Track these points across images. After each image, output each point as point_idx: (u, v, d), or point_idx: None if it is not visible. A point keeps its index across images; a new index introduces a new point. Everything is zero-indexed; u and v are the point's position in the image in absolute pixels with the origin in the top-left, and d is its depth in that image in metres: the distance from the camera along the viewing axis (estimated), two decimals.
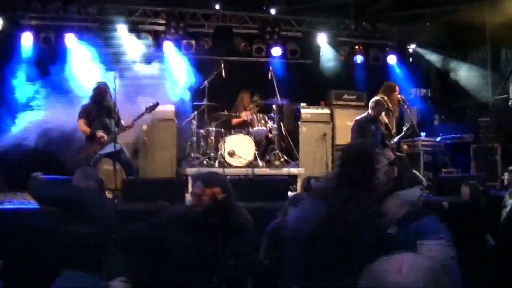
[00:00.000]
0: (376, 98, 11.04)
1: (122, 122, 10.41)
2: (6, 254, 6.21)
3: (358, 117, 11.17)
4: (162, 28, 13.84)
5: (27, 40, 12.82)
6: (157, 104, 10.52)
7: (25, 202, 8.62)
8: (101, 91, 10.23)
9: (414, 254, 2.11)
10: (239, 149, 12.27)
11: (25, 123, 12.12)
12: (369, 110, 10.92)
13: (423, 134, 13.50)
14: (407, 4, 14.26)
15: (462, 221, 7.41)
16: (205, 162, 12.46)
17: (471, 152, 12.54)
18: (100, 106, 10.20)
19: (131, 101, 12.26)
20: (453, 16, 14.37)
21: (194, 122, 12.87)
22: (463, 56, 14.85)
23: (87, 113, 10.22)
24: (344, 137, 13.37)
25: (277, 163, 12.72)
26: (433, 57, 15.67)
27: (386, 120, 11.30)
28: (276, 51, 14.38)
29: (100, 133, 10.00)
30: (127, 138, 11.59)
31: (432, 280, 1.93)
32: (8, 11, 12.80)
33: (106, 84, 10.28)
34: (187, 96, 13.30)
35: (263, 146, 13.23)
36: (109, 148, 10.01)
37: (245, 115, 13.27)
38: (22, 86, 12.59)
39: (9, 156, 11.23)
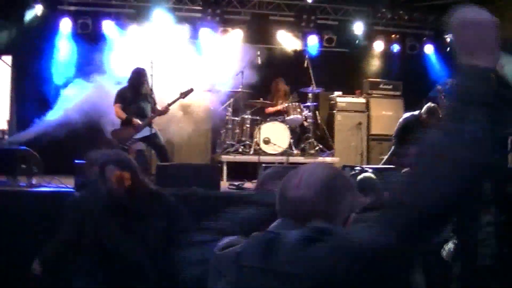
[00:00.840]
0: (434, 105, 10.87)
1: (158, 107, 10.47)
2: None
3: (405, 116, 11.15)
4: (198, 15, 13.84)
5: (65, 26, 12.91)
6: (191, 90, 10.58)
7: (63, 185, 8.70)
8: (139, 76, 10.32)
9: (313, 167, 2.23)
10: (274, 137, 12.26)
11: (63, 107, 12.21)
12: (423, 114, 10.82)
13: None
14: None
15: None
16: (240, 149, 12.49)
17: (509, 144, 12.37)
18: (137, 91, 10.28)
19: (167, 87, 12.34)
20: (491, 6, 14.21)
21: (230, 109, 12.88)
22: (504, 47, 14.61)
23: (123, 98, 10.31)
24: (379, 127, 13.36)
25: (312, 151, 12.70)
26: None
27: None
28: (312, 39, 14.29)
29: (136, 120, 10.08)
30: (162, 124, 11.68)
31: (325, 192, 2.05)
32: None
33: (143, 69, 10.35)
34: (223, 83, 13.27)
35: (298, 134, 13.20)
36: (145, 133, 10.09)
37: (281, 103, 13.24)
38: (62, 70, 12.73)
39: (47, 139, 11.30)
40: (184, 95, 10.54)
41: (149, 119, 10.16)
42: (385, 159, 11.79)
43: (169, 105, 10.60)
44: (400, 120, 11.33)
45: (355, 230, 1.93)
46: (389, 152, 11.67)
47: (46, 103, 12.33)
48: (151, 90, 10.40)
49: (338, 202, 2.08)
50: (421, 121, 10.78)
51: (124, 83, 10.61)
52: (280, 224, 2.09)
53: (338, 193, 2.09)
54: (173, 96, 10.72)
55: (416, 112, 11.10)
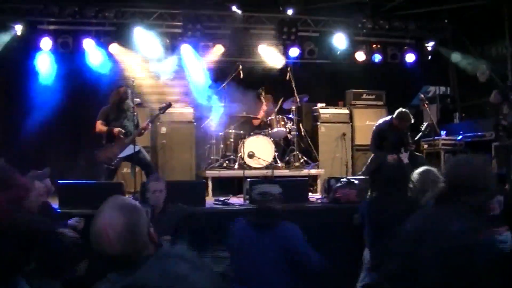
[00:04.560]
0: (404, 110, 10.91)
1: (141, 124, 10.44)
2: None
3: (378, 123, 11.16)
4: (179, 30, 13.80)
5: (45, 45, 12.84)
6: (169, 104, 10.57)
7: None
8: (120, 94, 10.28)
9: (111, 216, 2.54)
10: (258, 151, 12.24)
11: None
12: (395, 119, 10.85)
13: (443, 133, 13.42)
14: (424, 1, 14.15)
15: None
16: (225, 164, 12.45)
17: (493, 150, 12.40)
18: (119, 109, 10.24)
19: (149, 104, 12.34)
20: (471, 12, 14.30)
21: (213, 124, 12.85)
22: (481, 53, 14.70)
23: (106, 115, 10.28)
24: (363, 137, 13.33)
25: (296, 164, 12.67)
26: (451, 55, 15.55)
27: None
28: (294, 51, 14.29)
29: (116, 129, 10.05)
30: (145, 141, 11.65)
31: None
32: (26, 16, 12.84)
33: (125, 87, 10.30)
34: (205, 98, 13.24)
35: (282, 147, 13.20)
36: (128, 151, 10.03)
37: (264, 116, 13.26)
38: (43, 89, 12.67)
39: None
40: (163, 110, 10.51)
41: (131, 137, 10.11)
42: (364, 168, 11.79)
43: (150, 121, 10.60)
44: (374, 128, 11.37)
45: None
46: (369, 160, 11.67)
47: (27, 122, 12.25)
48: (133, 107, 10.35)
49: (140, 236, 2.45)
50: (393, 127, 10.84)
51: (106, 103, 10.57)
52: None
53: (137, 230, 2.45)
54: (154, 113, 10.72)
55: (388, 118, 11.18)
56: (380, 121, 11.35)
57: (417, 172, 6.46)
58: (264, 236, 5.35)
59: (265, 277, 5.25)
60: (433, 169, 6.51)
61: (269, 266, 5.27)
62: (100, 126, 10.20)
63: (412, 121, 10.94)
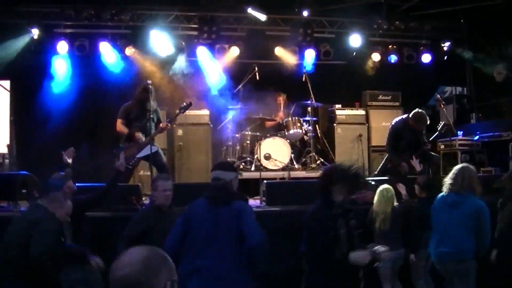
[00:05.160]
0: (421, 111, 10.76)
1: (161, 125, 10.41)
2: None
3: (394, 121, 11.13)
4: (195, 33, 13.84)
5: (62, 49, 12.90)
6: (190, 104, 10.47)
7: None
8: (144, 91, 10.14)
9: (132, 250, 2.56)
10: (275, 152, 12.24)
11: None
12: (411, 120, 10.72)
13: (460, 133, 13.35)
14: (439, 2, 14.11)
15: None
16: (241, 166, 12.45)
17: (510, 150, 12.34)
18: (142, 107, 10.14)
19: (165, 107, 12.35)
20: (487, 12, 14.24)
21: (229, 126, 12.87)
22: (497, 53, 14.62)
23: (127, 113, 10.19)
24: (380, 138, 13.27)
25: (313, 165, 12.66)
26: (468, 55, 15.49)
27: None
28: (310, 53, 14.27)
29: (138, 134, 9.99)
30: (162, 143, 11.68)
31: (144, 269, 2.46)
32: (43, 20, 12.92)
33: (150, 85, 10.20)
34: (221, 100, 13.24)
35: (299, 149, 13.20)
36: (146, 151, 10.00)
37: (280, 118, 13.25)
38: (60, 93, 12.73)
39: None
40: (183, 110, 10.45)
41: (150, 137, 10.09)
42: (380, 167, 11.71)
43: (170, 121, 10.55)
44: (390, 127, 11.26)
45: None
46: (384, 160, 11.61)
47: (46, 126, 12.32)
48: (156, 107, 10.35)
49: (154, 276, 2.45)
50: (409, 126, 10.76)
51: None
52: None
53: (154, 269, 2.47)
54: (173, 113, 10.71)
55: (405, 116, 11.02)
56: (397, 119, 11.18)
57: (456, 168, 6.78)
58: (220, 211, 5.35)
59: (220, 250, 5.24)
60: (470, 166, 6.82)
61: (223, 239, 5.28)
62: (121, 127, 10.14)
63: (428, 122, 10.87)
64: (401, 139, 10.83)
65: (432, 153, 11.30)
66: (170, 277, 2.52)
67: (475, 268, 6.59)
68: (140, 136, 9.98)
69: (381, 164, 11.73)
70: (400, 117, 11.20)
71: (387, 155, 11.46)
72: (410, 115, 10.74)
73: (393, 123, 11.16)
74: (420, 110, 10.76)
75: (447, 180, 6.79)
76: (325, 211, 5.50)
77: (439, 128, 11.10)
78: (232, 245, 5.23)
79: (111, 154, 10.30)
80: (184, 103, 10.39)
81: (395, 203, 8.37)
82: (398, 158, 10.68)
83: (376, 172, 11.75)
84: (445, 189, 6.77)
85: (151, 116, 10.14)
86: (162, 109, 12.19)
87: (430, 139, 11.10)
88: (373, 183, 9.68)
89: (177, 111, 10.45)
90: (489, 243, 6.68)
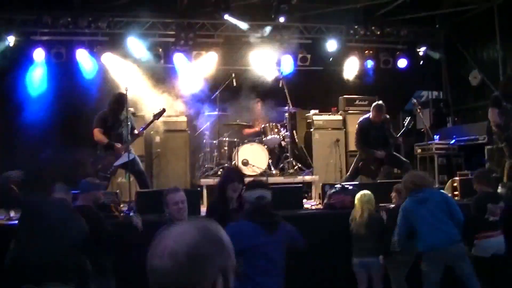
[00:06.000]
0: (380, 102, 11.34)
1: (136, 132, 10.43)
2: None
3: (359, 120, 11.62)
4: (172, 39, 13.86)
5: (39, 56, 12.87)
6: (163, 110, 10.56)
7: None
8: (119, 100, 10.22)
9: (180, 232, 2.09)
10: (252, 158, 12.25)
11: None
12: (372, 113, 11.30)
13: (436, 137, 13.47)
14: (415, 7, 14.22)
15: None
16: (219, 172, 12.44)
17: (486, 153, 12.45)
18: (117, 116, 10.22)
19: (142, 113, 12.35)
20: (463, 17, 14.37)
21: (207, 132, 12.89)
22: (473, 57, 14.77)
23: (103, 122, 10.23)
24: None
25: (291, 171, 12.69)
26: (443, 59, 15.63)
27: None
28: (287, 58, 14.33)
29: (118, 145, 10.04)
30: (139, 150, 11.67)
31: (189, 262, 1.99)
32: (19, 27, 12.87)
33: (124, 94, 10.22)
34: (199, 106, 13.25)
35: (277, 154, 13.21)
36: (124, 159, 10.02)
37: (257, 124, 13.28)
38: (36, 100, 12.67)
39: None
40: (157, 116, 10.51)
41: (127, 144, 10.11)
42: (350, 169, 11.85)
43: (144, 128, 10.61)
44: (356, 126, 11.54)
45: None
46: (353, 162, 11.77)
47: (22, 134, 12.25)
48: (129, 115, 10.36)
49: (203, 270, 2.02)
50: (372, 121, 11.21)
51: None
52: None
53: (204, 261, 2.03)
54: (149, 120, 10.75)
55: (367, 115, 11.45)
56: (361, 117, 11.56)
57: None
58: (273, 233, 5.67)
59: (278, 268, 5.66)
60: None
61: (280, 258, 5.67)
62: (99, 136, 10.16)
63: (388, 117, 11.35)
64: (368, 136, 11.08)
65: (404, 159, 11.48)
66: (225, 265, 2.07)
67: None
68: (120, 146, 10.02)
69: (351, 167, 11.87)
70: (363, 116, 11.48)
71: (356, 157, 11.66)
72: (371, 108, 11.07)
73: (358, 122, 11.47)
74: (378, 102, 11.33)
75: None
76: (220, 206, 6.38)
77: (405, 124, 11.23)
78: (283, 262, 5.71)
79: (87, 163, 10.30)
80: (158, 110, 10.48)
81: (372, 208, 8.41)
82: (370, 150, 11.07)
83: (347, 175, 11.82)
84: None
85: (128, 123, 10.18)
86: (138, 116, 12.22)
87: (398, 135, 11.27)
88: (350, 187, 9.79)
89: (152, 119, 10.52)
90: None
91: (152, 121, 10.67)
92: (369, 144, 11.16)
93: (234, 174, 7.17)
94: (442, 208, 7.14)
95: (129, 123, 10.26)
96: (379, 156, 11.02)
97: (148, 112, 12.06)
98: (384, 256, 8.10)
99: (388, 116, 11.45)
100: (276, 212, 5.97)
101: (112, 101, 10.37)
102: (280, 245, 5.70)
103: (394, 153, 11.45)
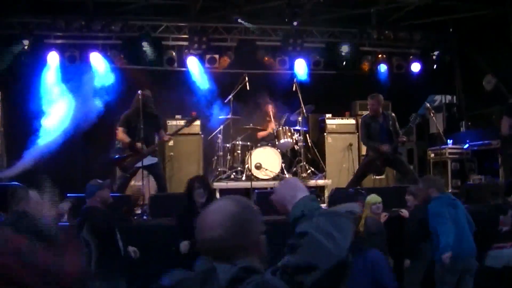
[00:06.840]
0: (376, 93, 11.50)
1: (163, 132, 10.42)
2: None
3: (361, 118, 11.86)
4: (185, 43, 13.90)
5: (52, 59, 12.92)
6: (197, 117, 10.58)
7: None
8: (142, 99, 10.17)
9: (219, 205, 2.54)
10: (265, 162, 12.26)
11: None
12: (368, 105, 11.52)
13: (449, 141, 13.41)
14: (429, 11, 14.19)
15: None
16: (232, 176, 12.47)
17: (499, 158, 12.39)
18: (139, 116, 10.12)
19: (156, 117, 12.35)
20: (476, 21, 14.32)
21: (220, 136, 12.89)
22: (486, 62, 14.70)
23: (127, 122, 10.22)
24: None
25: (303, 175, 12.67)
26: (457, 63, 15.58)
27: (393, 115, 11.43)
28: (300, 62, 14.33)
29: (139, 145, 9.99)
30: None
31: (234, 228, 2.42)
32: (34, 31, 12.93)
33: (148, 92, 10.21)
34: (212, 110, 13.25)
35: (289, 158, 13.22)
36: (148, 161, 10.02)
37: (271, 127, 13.26)
38: (51, 103, 12.70)
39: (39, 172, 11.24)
40: (189, 123, 10.57)
41: (152, 147, 10.13)
42: (356, 172, 11.87)
43: (173, 134, 10.64)
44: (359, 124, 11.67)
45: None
46: (359, 166, 11.83)
47: (36, 137, 12.27)
48: (156, 114, 10.38)
49: (248, 233, 2.44)
50: (371, 114, 11.39)
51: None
52: (204, 263, 2.38)
53: (247, 226, 2.45)
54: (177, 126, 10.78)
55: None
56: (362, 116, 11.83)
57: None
58: (357, 260, 5.46)
59: None
60: None
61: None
62: (122, 135, 10.17)
63: (383, 103, 11.47)
64: (369, 128, 11.10)
65: (410, 169, 11.50)
66: (262, 230, 2.53)
67: None
68: (141, 146, 9.99)
69: (356, 170, 11.91)
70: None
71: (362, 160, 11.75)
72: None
73: (361, 119, 11.53)
74: (374, 94, 11.47)
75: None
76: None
77: (411, 120, 11.19)
78: None
79: (103, 164, 10.36)
80: (191, 117, 10.56)
81: (370, 214, 8.19)
82: (375, 143, 11.10)
83: (353, 177, 11.78)
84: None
85: (151, 124, 10.18)
86: None
87: (402, 131, 11.19)
88: (363, 192, 9.74)
89: (183, 125, 10.56)
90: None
91: (182, 127, 10.72)
92: (370, 137, 11.16)
93: (198, 182, 7.58)
94: (465, 216, 7.06)
95: (156, 121, 10.29)
96: (382, 149, 10.86)
97: (161, 117, 12.08)
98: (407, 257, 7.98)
99: (393, 114, 11.46)
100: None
101: (134, 102, 10.35)
102: (363, 272, 5.65)
103: (402, 159, 11.39)
